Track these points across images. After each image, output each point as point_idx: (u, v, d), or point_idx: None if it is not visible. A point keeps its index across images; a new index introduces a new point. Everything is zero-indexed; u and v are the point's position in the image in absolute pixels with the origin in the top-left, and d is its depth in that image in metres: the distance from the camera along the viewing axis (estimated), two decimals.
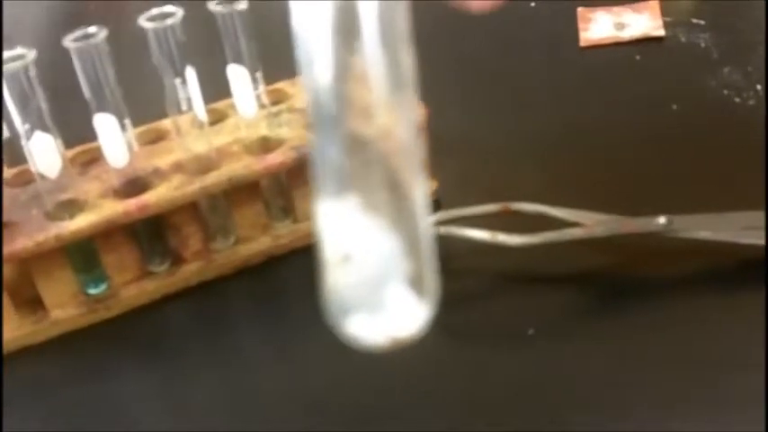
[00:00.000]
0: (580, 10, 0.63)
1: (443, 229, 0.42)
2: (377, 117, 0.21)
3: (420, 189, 0.22)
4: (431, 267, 0.22)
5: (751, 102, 0.51)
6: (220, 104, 0.47)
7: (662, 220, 0.41)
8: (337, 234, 0.21)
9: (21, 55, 0.39)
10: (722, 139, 0.49)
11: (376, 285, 0.21)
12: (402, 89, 0.21)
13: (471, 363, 0.39)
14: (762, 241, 0.40)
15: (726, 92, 0.53)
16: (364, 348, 0.22)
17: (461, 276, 0.43)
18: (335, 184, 0.21)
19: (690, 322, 0.39)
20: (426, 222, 0.22)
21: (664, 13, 0.61)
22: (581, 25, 0.61)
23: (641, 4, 0.62)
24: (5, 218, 0.42)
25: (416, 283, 0.21)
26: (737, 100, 0.52)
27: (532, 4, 0.64)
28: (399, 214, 0.21)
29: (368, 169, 0.21)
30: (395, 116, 0.21)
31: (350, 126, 0.21)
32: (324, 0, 0.21)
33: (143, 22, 0.39)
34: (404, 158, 0.21)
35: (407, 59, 0.22)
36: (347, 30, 0.21)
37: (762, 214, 0.41)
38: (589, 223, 0.41)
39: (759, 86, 0.52)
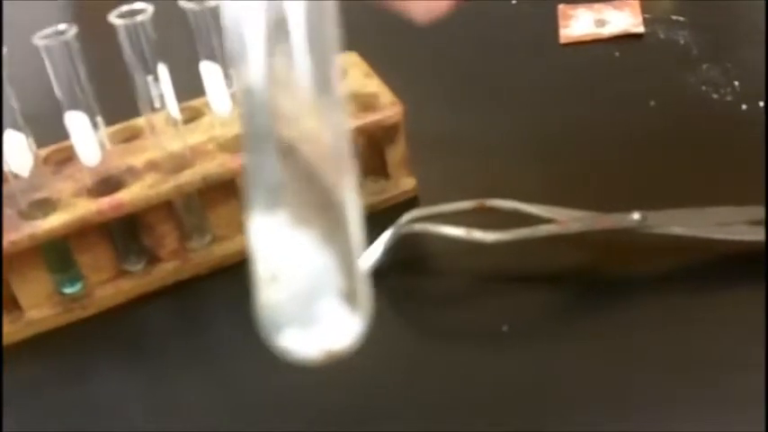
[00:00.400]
0: (561, 7, 0.63)
1: (419, 227, 0.42)
2: (303, 121, 0.21)
3: (350, 194, 0.22)
4: (363, 280, 0.22)
5: (728, 98, 0.51)
6: (195, 102, 0.46)
7: (636, 215, 0.41)
8: (268, 250, 0.21)
9: None
10: (699, 135, 0.49)
11: (308, 300, 0.21)
12: (330, 93, 0.21)
13: (446, 361, 0.39)
14: (734, 237, 0.40)
15: (704, 88, 0.53)
16: (298, 362, 0.22)
17: (436, 274, 0.43)
18: (267, 198, 0.21)
19: (664, 319, 0.39)
20: (358, 235, 0.22)
21: (644, 10, 0.61)
22: (561, 22, 0.61)
23: (622, 2, 0.62)
24: None
25: (349, 297, 0.21)
26: (715, 96, 0.52)
27: (513, 2, 0.64)
28: (331, 228, 0.21)
29: (298, 179, 0.21)
30: (322, 120, 0.21)
31: (279, 132, 0.21)
32: (252, 1, 0.21)
33: (113, 18, 0.39)
34: (332, 163, 0.21)
35: (336, 63, 0.22)
36: (274, 32, 0.21)
37: (737, 210, 0.41)
38: (563, 219, 0.41)
39: (737, 83, 0.52)
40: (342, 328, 0.21)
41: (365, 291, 0.22)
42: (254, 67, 0.21)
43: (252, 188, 0.21)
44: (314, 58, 0.21)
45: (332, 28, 0.21)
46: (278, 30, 0.21)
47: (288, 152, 0.21)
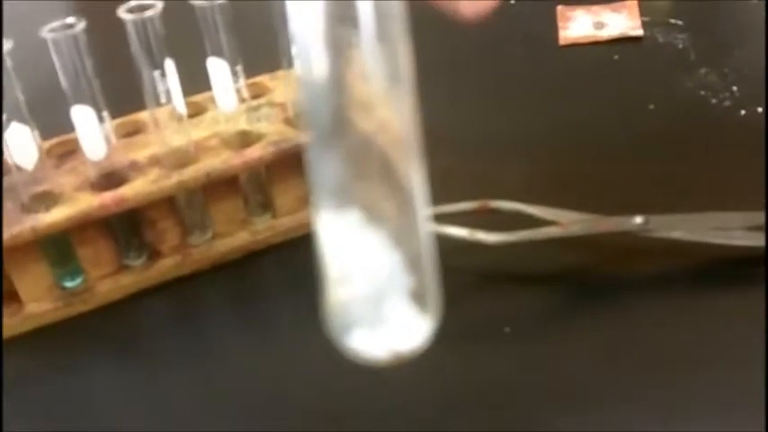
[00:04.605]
0: (559, 8, 0.63)
1: None
2: (375, 110, 0.21)
3: (418, 182, 0.21)
4: (433, 280, 0.21)
5: (727, 103, 0.52)
6: (199, 98, 0.46)
7: (638, 219, 0.41)
8: (338, 249, 0.21)
9: None
10: (698, 139, 0.50)
11: (378, 300, 0.21)
12: (399, 82, 0.21)
13: (447, 362, 0.39)
14: (733, 242, 0.40)
15: (702, 93, 0.53)
16: (367, 363, 0.21)
17: (438, 273, 0.43)
18: (335, 197, 0.21)
19: (663, 321, 0.39)
20: (428, 235, 0.21)
21: (642, 13, 0.61)
22: (560, 24, 0.62)
23: (620, 4, 0.63)
24: None
25: (419, 297, 0.21)
26: (714, 101, 0.52)
27: (512, 2, 0.65)
28: (401, 227, 0.21)
29: (367, 174, 0.21)
30: (392, 109, 0.21)
31: (349, 123, 0.21)
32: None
33: (122, 13, 0.39)
34: (402, 151, 0.21)
35: (404, 52, 0.22)
36: (344, 24, 0.21)
37: (735, 215, 0.41)
38: (565, 222, 0.42)
39: (735, 87, 0.53)
40: (410, 329, 0.21)
41: (434, 291, 0.21)
42: (320, 57, 0.20)
43: (318, 187, 0.21)
44: (383, 48, 0.21)
45: (400, 18, 0.21)
46: (346, 20, 0.20)
47: (359, 148, 0.21)
